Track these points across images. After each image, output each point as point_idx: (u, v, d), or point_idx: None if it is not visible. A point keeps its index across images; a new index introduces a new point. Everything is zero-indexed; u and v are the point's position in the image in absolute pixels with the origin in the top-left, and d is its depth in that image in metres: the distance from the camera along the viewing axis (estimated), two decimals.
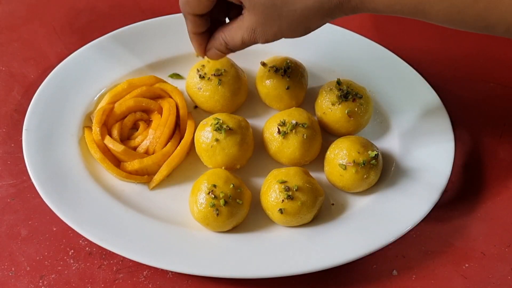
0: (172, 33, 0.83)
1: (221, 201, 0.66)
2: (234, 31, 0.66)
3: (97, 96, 0.78)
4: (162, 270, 0.68)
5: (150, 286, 0.67)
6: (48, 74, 0.78)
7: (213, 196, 0.67)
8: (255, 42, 0.66)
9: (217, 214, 0.66)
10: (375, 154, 0.70)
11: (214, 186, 0.67)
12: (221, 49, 0.69)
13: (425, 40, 0.89)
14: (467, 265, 0.69)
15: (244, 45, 0.67)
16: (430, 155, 0.74)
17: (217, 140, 0.70)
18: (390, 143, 0.77)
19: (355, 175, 0.70)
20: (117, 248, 0.66)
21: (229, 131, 0.71)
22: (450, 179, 0.72)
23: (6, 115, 0.80)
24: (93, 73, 0.79)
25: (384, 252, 0.69)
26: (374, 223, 0.69)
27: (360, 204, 0.72)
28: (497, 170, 0.76)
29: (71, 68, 0.79)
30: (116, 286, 0.67)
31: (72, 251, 0.69)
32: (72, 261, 0.69)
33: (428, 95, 0.79)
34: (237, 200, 0.67)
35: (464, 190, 0.75)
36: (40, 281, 0.68)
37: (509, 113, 0.81)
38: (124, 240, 0.67)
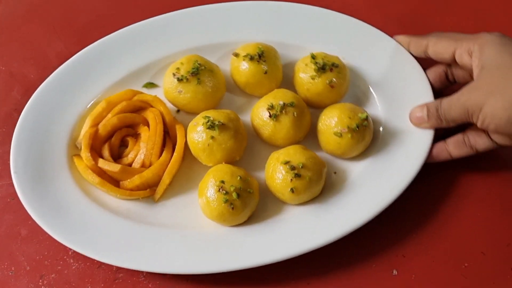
0: (138, 43, 0.81)
1: (234, 195, 0.66)
2: (455, 99, 0.67)
3: (77, 121, 0.76)
4: None
5: (150, 285, 0.67)
6: (48, 75, 0.78)
7: (224, 192, 0.66)
8: (476, 120, 0.66)
9: (232, 208, 0.66)
10: (366, 116, 0.71)
11: (223, 182, 0.67)
12: (431, 112, 0.70)
13: None
14: (466, 264, 0.69)
15: (460, 118, 0.67)
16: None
17: (212, 137, 0.70)
18: (374, 108, 0.77)
19: (351, 140, 0.70)
20: (137, 265, 0.66)
21: (222, 126, 0.70)
22: (450, 179, 0.72)
23: (6, 115, 0.80)
24: (67, 98, 0.77)
25: (384, 252, 0.68)
26: (377, 183, 0.70)
27: (359, 169, 0.73)
28: (497, 170, 0.76)
29: (45, 99, 0.76)
30: (116, 285, 0.67)
31: (72, 250, 0.69)
32: (72, 260, 0.69)
33: (402, 56, 0.78)
34: (248, 190, 0.67)
35: (464, 190, 0.74)
36: (40, 280, 0.68)
37: None
38: (142, 255, 0.66)
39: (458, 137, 0.71)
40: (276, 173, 0.69)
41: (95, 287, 0.67)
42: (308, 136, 0.75)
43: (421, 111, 0.71)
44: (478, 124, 0.65)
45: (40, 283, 0.67)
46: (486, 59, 0.65)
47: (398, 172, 0.71)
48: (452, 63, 0.72)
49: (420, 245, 0.70)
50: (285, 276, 0.67)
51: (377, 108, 0.77)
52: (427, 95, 0.75)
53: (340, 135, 0.71)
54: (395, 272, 0.68)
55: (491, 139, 0.69)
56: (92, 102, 0.77)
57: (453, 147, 0.71)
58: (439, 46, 0.71)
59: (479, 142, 0.69)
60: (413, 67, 0.78)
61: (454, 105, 0.67)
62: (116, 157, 0.75)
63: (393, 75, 0.78)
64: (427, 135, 0.72)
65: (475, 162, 0.75)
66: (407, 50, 0.77)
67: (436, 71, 0.76)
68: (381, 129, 0.75)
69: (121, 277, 0.68)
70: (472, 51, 0.67)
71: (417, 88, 0.76)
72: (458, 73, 0.75)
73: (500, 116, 0.63)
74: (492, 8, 0.91)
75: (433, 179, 0.74)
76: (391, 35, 0.81)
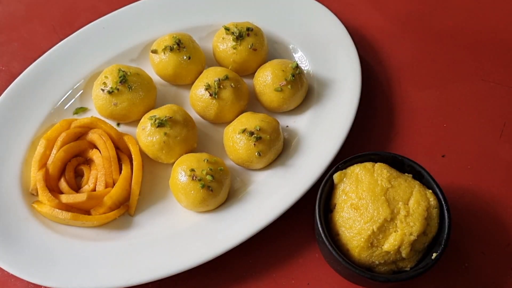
0: (52, 74, 0.78)
1: (208, 178, 0.66)
2: None
3: (21, 170, 0.71)
4: None
5: (149, 285, 0.67)
6: None
7: (198, 178, 0.66)
8: None
9: (212, 190, 0.66)
10: (296, 64, 0.75)
11: (193, 170, 0.66)
12: None
13: (425, 40, 0.89)
14: (466, 264, 0.69)
15: None
16: (339, 69, 0.78)
17: (165, 134, 0.69)
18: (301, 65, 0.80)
19: (292, 90, 0.74)
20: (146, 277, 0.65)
21: (171, 119, 0.70)
22: (452, 181, 0.72)
23: None
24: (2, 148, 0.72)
25: None
26: (324, 133, 0.73)
27: (304, 122, 0.75)
28: (497, 170, 0.76)
29: None
30: None
31: None
32: None
33: (318, 9, 0.83)
34: (219, 168, 0.68)
35: (464, 190, 0.74)
36: None
37: (509, 113, 0.81)
38: (143, 267, 0.65)
39: None
40: (237, 144, 0.70)
41: None
42: (248, 104, 0.77)
43: None
44: None
45: None
46: None
47: (338, 121, 0.73)
48: None
49: None
50: (286, 276, 0.67)
51: (305, 65, 0.80)
52: (351, 51, 0.79)
53: (280, 89, 0.74)
54: None
55: None
56: (32, 141, 0.73)
57: None
58: None
59: None
60: (334, 23, 0.81)
61: None
62: (76, 189, 0.71)
63: (313, 31, 0.82)
64: (356, 85, 0.76)
65: (474, 162, 0.75)
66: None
67: None
68: (315, 85, 0.78)
69: None
70: None
71: (341, 44, 0.80)
72: None
73: None
74: (491, 8, 0.91)
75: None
76: (391, 35, 0.81)
